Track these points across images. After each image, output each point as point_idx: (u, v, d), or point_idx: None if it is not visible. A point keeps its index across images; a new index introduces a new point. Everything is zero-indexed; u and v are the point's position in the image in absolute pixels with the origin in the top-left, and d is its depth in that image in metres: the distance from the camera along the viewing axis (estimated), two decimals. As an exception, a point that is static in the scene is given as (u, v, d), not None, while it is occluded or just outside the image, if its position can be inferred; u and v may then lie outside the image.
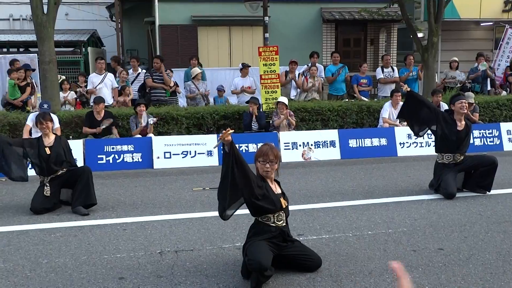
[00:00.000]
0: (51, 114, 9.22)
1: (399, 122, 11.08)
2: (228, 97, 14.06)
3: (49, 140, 7.02)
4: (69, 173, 6.97)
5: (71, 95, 12.67)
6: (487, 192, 7.36)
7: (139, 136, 10.02)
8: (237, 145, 9.88)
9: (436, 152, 7.59)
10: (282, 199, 4.67)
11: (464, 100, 7.33)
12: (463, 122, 7.37)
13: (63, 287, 4.48)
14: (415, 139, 10.52)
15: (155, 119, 10.06)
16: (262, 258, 4.26)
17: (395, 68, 13.25)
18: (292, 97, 12.61)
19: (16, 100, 11.63)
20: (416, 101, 7.52)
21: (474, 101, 11.09)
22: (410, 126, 7.67)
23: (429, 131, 7.64)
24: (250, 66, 13.02)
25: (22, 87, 11.77)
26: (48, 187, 6.82)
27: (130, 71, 12.85)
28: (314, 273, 4.65)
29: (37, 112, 9.53)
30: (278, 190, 4.74)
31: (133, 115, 10.18)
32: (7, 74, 12.21)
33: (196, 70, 12.50)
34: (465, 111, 7.37)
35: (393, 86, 12.79)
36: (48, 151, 6.90)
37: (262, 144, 4.87)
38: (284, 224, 4.69)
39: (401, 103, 10.98)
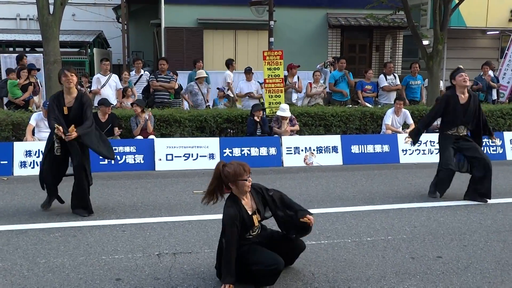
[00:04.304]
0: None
1: (402, 129, 11.09)
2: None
3: (70, 98, 6.59)
4: (78, 148, 6.56)
5: None
6: (488, 201, 7.33)
7: (141, 137, 10.04)
8: (239, 149, 9.99)
9: (440, 132, 7.64)
10: (254, 217, 4.53)
11: (464, 73, 7.33)
12: (466, 95, 7.37)
13: (60, 287, 4.48)
14: (418, 146, 10.52)
15: (149, 113, 10.11)
16: (276, 258, 4.34)
17: (397, 76, 13.29)
18: (293, 101, 12.62)
19: (17, 99, 11.67)
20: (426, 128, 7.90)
21: None
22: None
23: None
24: (251, 70, 12.88)
25: (24, 86, 11.82)
26: (59, 145, 6.44)
27: (133, 72, 12.89)
28: (311, 279, 4.65)
29: (41, 112, 9.58)
30: (253, 206, 4.58)
31: (134, 116, 10.22)
32: (6, 73, 12.28)
33: (202, 73, 12.51)
34: (467, 83, 7.38)
35: (394, 92, 12.83)
36: (66, 111, 6.51)
37: (225, 166, 4.47)
38: (260, 231, 4.65)
39: (404, 110, 11.04)
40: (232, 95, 13.05)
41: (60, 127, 6.31)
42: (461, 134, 7.42)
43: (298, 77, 12.76)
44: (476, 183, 7.40)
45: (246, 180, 4.43)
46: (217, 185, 4.52)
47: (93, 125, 6.68)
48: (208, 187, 4.57)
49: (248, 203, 4.56)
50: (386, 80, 13.03)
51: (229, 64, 13.77)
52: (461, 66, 7.74)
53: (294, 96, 12.76)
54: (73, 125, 6.37)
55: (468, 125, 7.43)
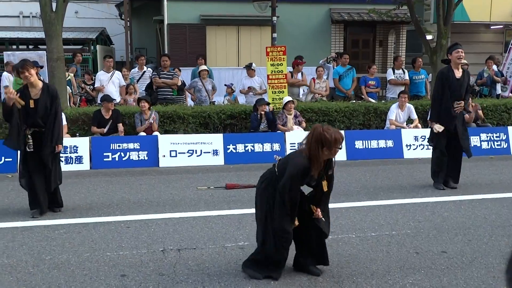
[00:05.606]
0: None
1: (406, 124, 11.07)
2: (237, 96, 14.08)
3: (36, 90, 6.36)
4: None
5: None
6: (456, 186, 7.86)
7: (144, 134, 10.05)
8: (243, 145, 9.96)
9: None
10: (324, 182, 4.62)
11: (460, 50, 7.53)
12: (461, 70, 7.66)
13: (66, 283, 4.50)
14: (422, 141, 10.51)
15: (154, 116, 10.13)
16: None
17: (406, 71, 13.22)
18: (300, 96, 12.58)
19: None
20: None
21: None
22: None
23: None
24: (251, 66, 12.63)
25: None
26: (31, 140, 6.34)
27: (136, 69, 12.89)
28: (316, 274, 4.65)
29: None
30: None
31: (138, 112, 10.23)
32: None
33: (203, 67, 12.48)
34: (462, 60, 7.62)
35: (402, 88, 12.76)
36: (32, 104, 6.28)
37: (325, 130, 4.39)
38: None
39: (408, 105, 11.02)
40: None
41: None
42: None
43: (302, 73, 12.72)
44: (449, 170, 7.90)
45: (340, 148, 4.42)
46: (316, 147, 4.40)
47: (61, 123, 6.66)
48: (310, 150, 4.44)
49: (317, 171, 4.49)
50: (393, 74, 12.99)
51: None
52: (460, 44, 7.84)
53: (301, 91, 12.72)
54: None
55: (462, 99, 7.66)
